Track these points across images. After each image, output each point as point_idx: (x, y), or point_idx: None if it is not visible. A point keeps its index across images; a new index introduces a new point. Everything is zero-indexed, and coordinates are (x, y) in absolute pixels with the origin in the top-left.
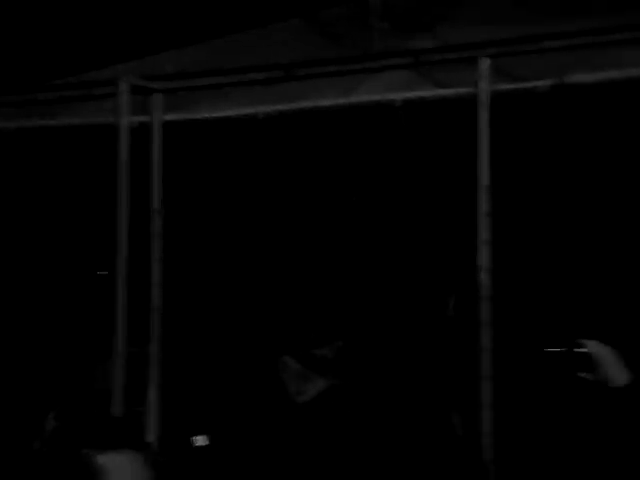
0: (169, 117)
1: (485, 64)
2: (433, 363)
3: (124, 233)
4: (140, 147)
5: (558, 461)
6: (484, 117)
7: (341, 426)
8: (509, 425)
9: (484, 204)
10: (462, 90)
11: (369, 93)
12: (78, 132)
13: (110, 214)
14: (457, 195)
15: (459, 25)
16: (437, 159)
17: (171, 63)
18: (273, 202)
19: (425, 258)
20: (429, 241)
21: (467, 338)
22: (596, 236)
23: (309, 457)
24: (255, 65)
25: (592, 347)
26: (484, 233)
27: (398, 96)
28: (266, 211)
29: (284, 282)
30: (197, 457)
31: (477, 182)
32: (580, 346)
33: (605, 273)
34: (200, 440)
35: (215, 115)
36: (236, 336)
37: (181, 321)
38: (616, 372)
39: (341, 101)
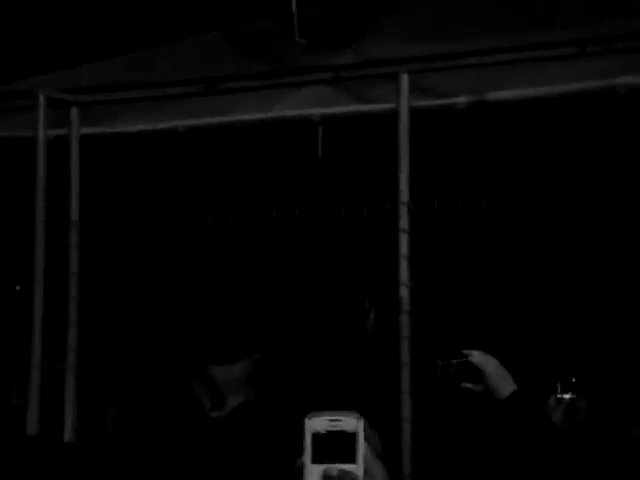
0: (87, 130)
1: (404, 80)
2: (352, 377)
3: (41, 247)
4: (58, 160)
5: (464, 472)
6: (404, 133)
7: (256, 441)
8: (423, 439)
9: (404, 220)
10: (382, 106)
11: (289, 108)
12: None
13: (27, 228)
14: (376, 211)
15: (379, 41)
16: (356, 175)
17: (89, 76)
18: (193, 215)
19: (345, 273)
20: (348, 256)
21: (387, 353)
22: (502, 252)
23: (221, 472)
24: (176, 79)
25: (476, 358)
26: (403, 249)
27: (317, 111)
28: (186, 224)
29: (202, 296)
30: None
31: (397, 198)
32: (465, 357)
33: (507, 287)
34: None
35: (134, 129)
36: (153, 349)
37: (98, 335)
38: (500, 383)
39: (261, 115)
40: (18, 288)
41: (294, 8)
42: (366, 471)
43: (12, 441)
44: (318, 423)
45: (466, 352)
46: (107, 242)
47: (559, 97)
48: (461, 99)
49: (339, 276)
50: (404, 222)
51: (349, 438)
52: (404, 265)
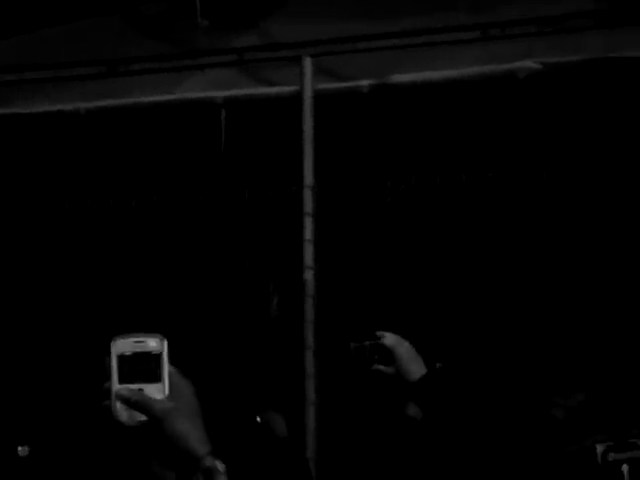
0: None
1: (308, 63)
2: (256, 362)
3: None
4: None
5: (373, 458)
6: (308, 116)
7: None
8: (331, 422)
9: (308, 203)
10: (285, 88)
11: (192, 90)
12: None
13: None
14: (281, 194)
15: (283, 22)
16: (260, 158)
17: None
18: (94, 199)
19: (248, 257)
20: (252, 240)
21: (291, 337)
22: (406, 234)
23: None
24: (77, 60)
25: (389, 340)
26: (308, 233)
27: (220, 93)
28: (88, 208)
29: (106, 281)
30: (21, 467)
31: (301, 181)
32: (377, 338)
33: (411, 269)
34: (22, 451)
35: (33, 110)
36: (60, 340)
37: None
38: (412, 366)
39: (163, 97)
40: None
41: None
42: (171, 390)
43: None
44: (123, 345)
45: (379, 334)
46: (6, 226)
47: (460, 80)
48: (364, 82)
49: (243, 260)
50: (308, 205)
51: (154, 358)
52: (309, 249)
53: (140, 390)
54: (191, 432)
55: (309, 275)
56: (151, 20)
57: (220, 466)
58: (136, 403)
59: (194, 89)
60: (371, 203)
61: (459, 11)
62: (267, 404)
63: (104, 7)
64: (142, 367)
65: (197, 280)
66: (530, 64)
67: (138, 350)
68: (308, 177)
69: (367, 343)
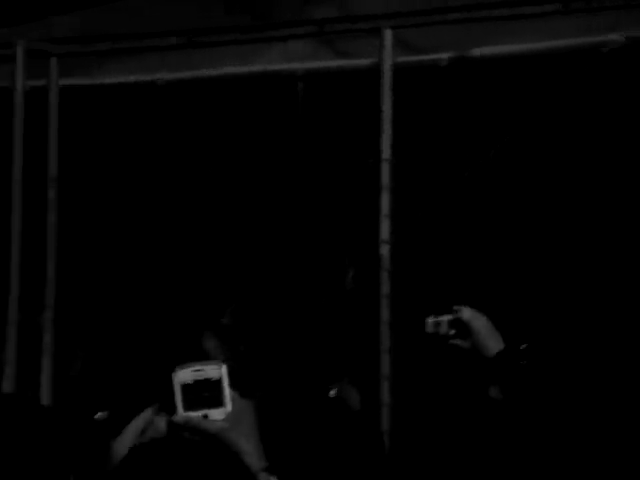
0: (66, 82)
1: (388, 35)
2: (331, 336)
3: (18, 202)
4: (36, 114)
5: (449, 433)
6: (386, 89)
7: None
8: (405, 397)
9: (385, 177)
10: (364, 61)
11: (271, 62)
12: None
13: (4, 182)
14: (358, 168)
15: None
16: (338, 130)
17: (70, 26)
18: (173, 170)
19: (325, 231)
20: (329, 214)
21: (366, 311)
22: (487, 209)
23: None
24: (156, 31)
25: (466, 314)
26: (385, 206)
27: (299, 66)
28: (165, 179)
29: (183, 250)
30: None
31: (379, 155)
32: (455, 312)
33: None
34: (100, 416)
35: (113, 80)
36: (135, 305)
37: (77, 288)
38: (489, 341)
39: (243, 69)
40: None
41: None
42: (233, 412)
43: None
44: (184, 375)
45: (456, 308)
46: (86, 198)
47: (542, 54)
48: (443, 55)
49: (318, 234)
50: (385, 179)
51: (214, 384)
52: (385, 223)
53: (205, 416)
54: (247, 449)
55: (385, 249)
56: None
57: None
58: (194, 427)
59: (273, 61)
60: (449, 177)
61: None
62: (341, 378)
63: None
64: (204, 394)
65: (274, 253)
66: (615, 37)
67: (199, 378)
68: (386, 150)
69: (444, 317)
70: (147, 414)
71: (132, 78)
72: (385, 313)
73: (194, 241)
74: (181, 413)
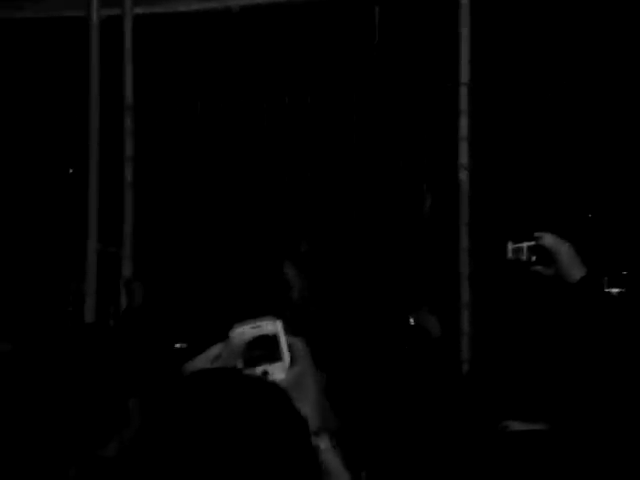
0: (140, 10)
1: None
2: (410, 263)
3: (96, 131)
4: (111, 42)
5: (528, 360)
6: (465, 13)
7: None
8: (485, 326)
9: (464, 101)
10: None
11: None
12: (46, 25)
13: (82, 109)
14: (436, 91)
15: None
16: (415, 55)
17: None
18: (249, 97)
19: (402, 156)
20: (406, 138)
21: (445, 238)
22: (565, 135)
23: None
24: None
25: (548, 240)
26: (463, 130)
27: None
28: (241, 106)
29: (251, 191)
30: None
31: (457, 78)
32: (537, 239)
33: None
34: (180, 345)
35: (187, 8)
36: (215, 239)
37: (155, 220)
38: (572, 267)
39: None
40: (72, 171)
41: None
42: (294, 373)
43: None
44: (242, 332)
45: (537, 235)
46: (162, 125)
47: None
48: None
49: (396, 159)
50: (464, 103)
51: (271, 340)
52: (464, 147)
53: (264, 372)
54: (302, 411)
55: (464, 174)
56: None
57: (323, 444)
58: (243, 380)
59: None
60: (528, 101)
61: None
62: (421, 305)
63: None
64: (262, 349)
65: (353, 180)
66: None
67: (256, 334)
68: (464, 74)
69: (525, 244)
70: (221, 344)
71: (206, 5)
72: (464, 240)
73: (274, 174)
74: (242, 369)
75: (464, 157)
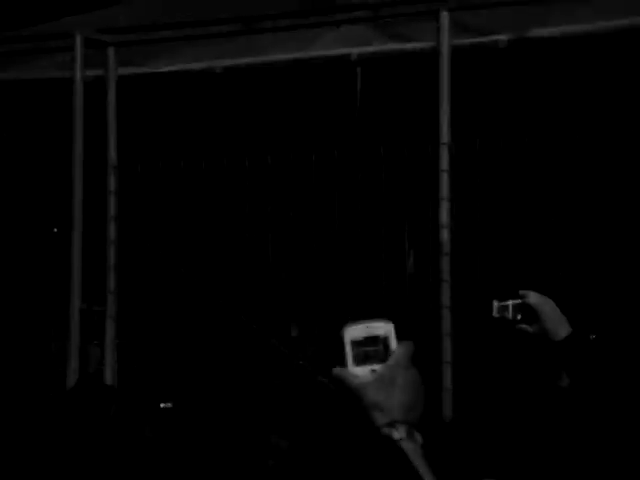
0: (124, 71)
1: (445, 18)
2: (392, 320)
3: (80, 190)
4: (95, 102)
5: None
6: (445, 72)
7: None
8: (467, 381)
9: (444, 161)
10: (422, 44)
11: (327, 47)
12: (31, 86)
13: (65, 171)
14: (417, 151)
15: None
16: (396, 115)
17: (126, 16)
18: (231, 156)
19: (384, 215)
20: (388, 197)
21: (427, 295)
22: (545, 192)
23: None
24: (212, 19)
25: (533, 299)
26: (444, 190)
27: (355, 50)
28: (224, 165)
29: (242, 238)
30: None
31: (438, 139)
32: (521, 297)
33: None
34: (164, 406)
35: (171, 68)
36: (190, 293)
37: (137, 280)
38: (557, 325)
39: (299, 55)
40: (56, 230)
41: None
42: (387, 367)
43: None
44: (354, 331)
45: (522, 293)
46: (146, 185)
47: (601, 33)
48: (502, 37)
49: (378, 217)
50: (445, 163)
51: (382, 341)
52: (445, 207)
53: (373, 370)
54: (385, 404)
55: (445, 233)
56: None
57: (396, 434)
58: (338, 380)
59: (329, 46)
60: (508, 159)
61: None
62: None
63: None
64: (372, 349)
65: (333, 236)
66: None
67: (368, 335)
68: (444, 134)
69: (511, 302)
70: None
71: (190, 66)
72: (446, 298)
73: (257, 234)
74: (350, 367)
75: (444, 217)
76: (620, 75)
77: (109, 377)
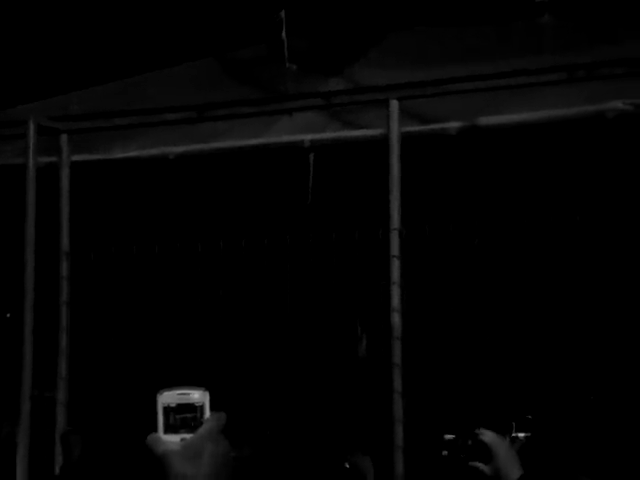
0: (77, 157)
1: (395, 106)
2: (344, 404)
3: (31, 277)
4: (48, 188)
5: None
6: (394, 158)
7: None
8: (418, 467)
9: (395, 246)
10: (372, 131)
11: (280, 134)
12: None
13: (17, 256)
14: (368, 236)
15: (368, 67)
16: (347, 200)
17: (80, 103)
18: (184, 242)
19: (335, 299)
20: (339, 282)
21: (379, 379)
22: (502, 274)
23: None
24: (166, 106)
25: (489, 438)
26: (395, 275)
27: (308, 137)
28: (177, 251)
29: (192, 322)
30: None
31: (388, 224)
32: (477, 435)
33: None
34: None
35: (125, 155)
36: (138, 377)
37: (91, 364)
38: (509, 466)
39: (252, 141)
40: (8, 315)
41: (284, 35)
42: (196, 438)
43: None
44: (168, 397)
45: (478, 431)
46: (98, 271)
47: (548, 122)
48: (452, 124)
49: (330, 301)
50: (395, 248)
51: (197, 409)
52: (396, 291)
53: (182, 439)
54: (189, 473)
55: (396, 317)
56: (240, 65)
57: None
58: (149, 442)
59: (282, 133)
60: (458, 245)
61: (544, 53)
62: (355, 448)
63: (194, 53)
64: (186, 417)
65: (285, 322)
66: (620, 105)
67: (182, 402)
68: (395, 219)
69: (463, 440)
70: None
71: (143, 152)
72: (398, 382)
73: (210, 319)
74: (159, 434)
75: (396, 301)
76: (566, 162)
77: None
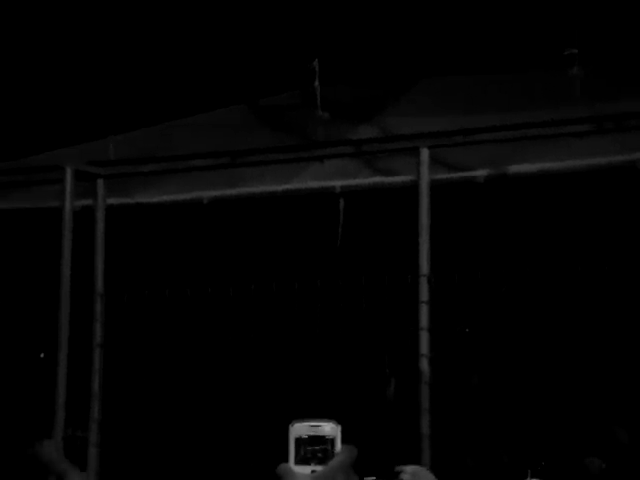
0: (113, 201)
1: (425, 154)
2: (372, 446)
3: (66, 317)
4: (83, 232)
5: None
6: (424, 205)
7: None
8: None
9: (424, 292)
10: (402, 178)
11: (311, 180)
12: (21, 216)
13: (53, 297)
14: (397, 282)
15: (399, 115)
16: (377, 246)
17: (115, 148)
18: (216, 286)
19: (365, 343)
20: (369, 327)
21: (407, 423)
22: (530, 320)
23: None
24: (199, 152)
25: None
26: (424, 320)
27: (339, 183)
28: (209, 295)
29: (227, 366)
30: None
31: (417, 270)
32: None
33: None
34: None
35: (159, 200)
36: (177, 421)
37: (121, 405)
38: None
39: (284, 187)
40: (42, 356)
41: (317, 82)
42: (328, 470)
43: None
44: (300, 428)
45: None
46: (131, 313)
47: (578, 171)
48: (480, 172)
49: (359, 345)
50: (424, 294)
51: (328, 442)
52: (425, 337)
53: (313, 471)
54: None
55: (425, 363)
56: (272, 111)
57: None
58: (280, 472)
59: (313, 179)
60: (487, 292)
61: (574, 104)
62: None
63: (227, 99)
64: (317, 449)
65: (315, 366)
66: None
67: (314, 433)
68: (424, 266)
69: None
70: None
71: (177, 197)
72: (425, 426)
73: (243, 359)
74: (290, 465)
75: (425, 346)
76: (595, 211)
77: None
